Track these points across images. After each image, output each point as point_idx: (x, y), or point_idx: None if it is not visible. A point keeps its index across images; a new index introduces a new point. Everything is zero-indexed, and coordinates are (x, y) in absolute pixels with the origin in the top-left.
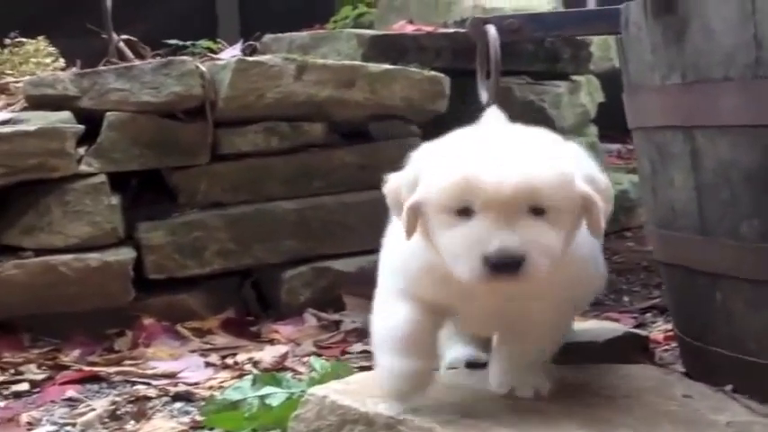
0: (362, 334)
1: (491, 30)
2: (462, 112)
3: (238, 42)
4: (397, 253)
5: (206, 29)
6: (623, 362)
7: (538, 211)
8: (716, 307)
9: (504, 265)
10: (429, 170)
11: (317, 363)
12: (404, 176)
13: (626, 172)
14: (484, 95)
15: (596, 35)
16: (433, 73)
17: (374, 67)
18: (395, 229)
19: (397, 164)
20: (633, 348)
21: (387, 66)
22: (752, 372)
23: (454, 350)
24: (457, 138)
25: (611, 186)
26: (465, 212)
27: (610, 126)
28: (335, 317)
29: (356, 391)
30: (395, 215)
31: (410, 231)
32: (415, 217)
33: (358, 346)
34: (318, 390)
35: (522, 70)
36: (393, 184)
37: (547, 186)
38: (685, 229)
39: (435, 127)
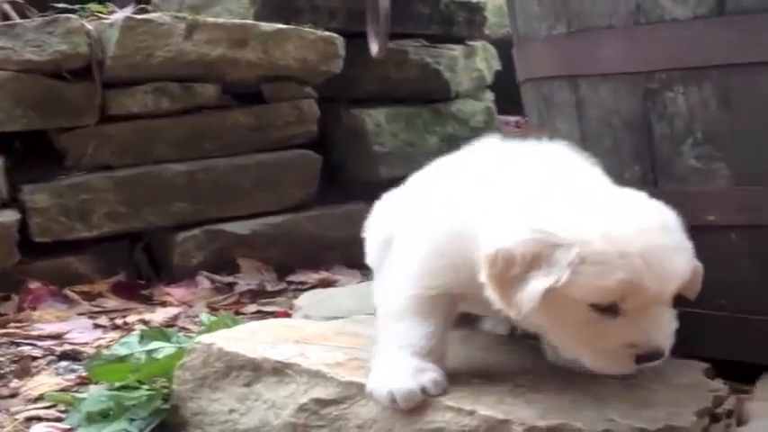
0: (257, 295)
1: None
2: (358, 73)
3: (130, 5)
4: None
5: None
6: None
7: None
8: None
9: (650, 359)
10: (566, 258)
11: (205, 316)
12: (520, 252)
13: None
14: (374, 48)
15: None
16: (326, 33)
17: (267, 26)
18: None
19: (290, 125)
20: None
21: (279, 25)
22: None
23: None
24: (583, 218)
25: None
26: (611, 309)
27: (508, 97)
28: (229, 279)
29: (243, 339)
30: (494, 285)
31: (522, 312)
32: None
33: (252, 307)
34: (205, 338)
35: (417, 33)
36: (504, 257)
37: (685, 279)
38: None
39: (330, 88)
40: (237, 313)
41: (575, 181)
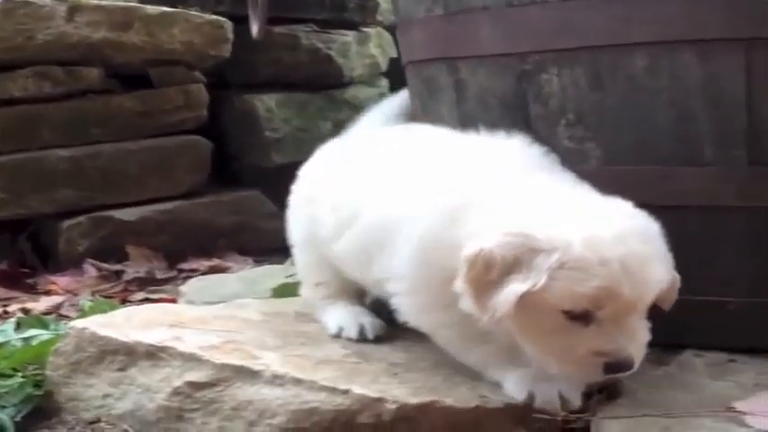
0: (145, 283)
1: None
2: (249, 58)
3: None
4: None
5: None
6: None
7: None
8: None
9: (619, 370)
10: (546, 263)
11: (85, 302)
12: (500, 255)
13: None
14: (254, 29)
15: None
16: (214, 17)
17: (151, 9)
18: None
19: (179, 110)
20: None
21: (165, 8)
22: None
23: None
24: (570, 230)
25: None
26: (583, 316)
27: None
28: (117, 267)
29: (118, 324)
30: (471, 289)
31: (494, 318)
32: (514, 305)
33: (140, 295)
34: (78, 322)
35: (308, 18)
36: (485, 258)
37: (661, 288)
38: None
39: (220, 72)
40: (125, 301)
41: (552, 183)
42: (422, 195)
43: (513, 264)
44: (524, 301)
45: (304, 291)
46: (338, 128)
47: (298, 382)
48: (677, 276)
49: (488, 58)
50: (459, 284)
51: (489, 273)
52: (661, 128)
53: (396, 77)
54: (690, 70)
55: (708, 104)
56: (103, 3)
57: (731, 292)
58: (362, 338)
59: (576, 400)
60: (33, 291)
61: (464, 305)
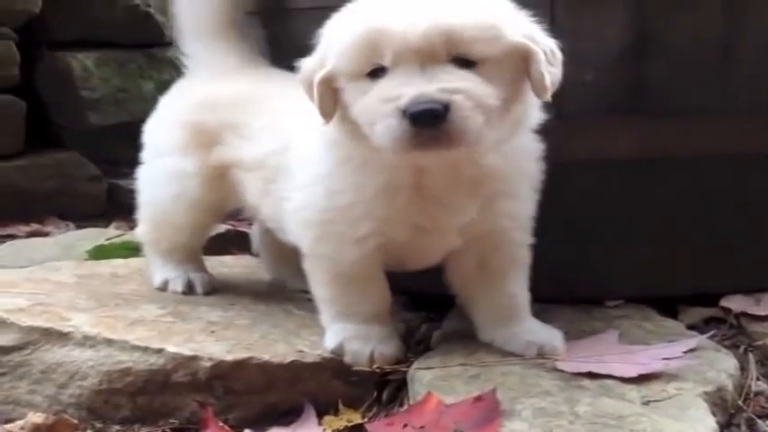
0: None
1: None
2: (62, 15)
3: None
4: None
5: None
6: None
7: (466, 63)
8: None
9: (425, 116)
10: (334, 36)
11: None
12: (314, 55)
13: None
14: None
15: None
16: None
17: None
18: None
19: None
20: (232, 242)
21: None
22: None
23: None
24: None
25: (557, 50)
26: (377, 74)
27: None
28: None
29: None
30: (312, 102)
31: (326, 112)
32: (330, 95)
33: None
34: None
35: None
36: (305, 67)
37: (468, 32)
38: None
39: (32, 30)
40: None
41: None
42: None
43: (311, 68)
44: (331, 91)
45: (141, 230)
46: (162, 89)
47: (110, 342)
48: (545, 46)
49: None
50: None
51: (306, 83)
52: None
53: None
54: None
55: None
56: None
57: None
58: (190, 292)
59: (391, 355)
60: None
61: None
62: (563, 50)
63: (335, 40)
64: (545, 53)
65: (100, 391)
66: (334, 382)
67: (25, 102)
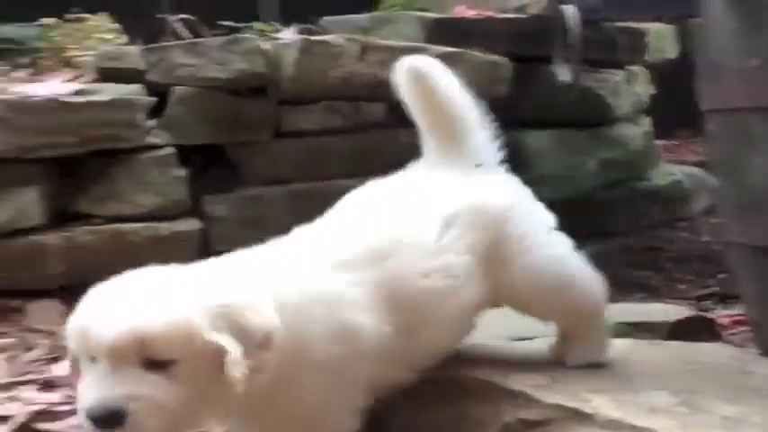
0: None
1: (570, 9)
2: (522, 97)
3: (293, 25)
4: None
5: (245, 11)
6: (694, 341)
7: (157, 365)
8: None
9: (102, 420)
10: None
11: None
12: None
13: (676, 163)
14: (564, 73)
15: (671, 14)
16: (494, 57)
17: (438, 49)
18: None
19: None
20: (701, 330)
21: (450, 48)
22: None
23: None
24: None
25: (270, 323)
26: (93, 362)
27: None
28: None
29: None
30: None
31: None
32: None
33: None
34: None
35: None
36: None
37: (160, 336)
38: None
39: (498, 111)
40: None
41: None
42: None
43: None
44: None
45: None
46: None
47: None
48: (238, 346)
49: None
50: None
51: None
52: None
53: (656, 115)
54: None
55: None
56: (393, 43)
57: None
58: None
59: None
60: None
61: None
62: None
63: (70, 321)
64: (247, 347)
65: None
66: None
67: None
